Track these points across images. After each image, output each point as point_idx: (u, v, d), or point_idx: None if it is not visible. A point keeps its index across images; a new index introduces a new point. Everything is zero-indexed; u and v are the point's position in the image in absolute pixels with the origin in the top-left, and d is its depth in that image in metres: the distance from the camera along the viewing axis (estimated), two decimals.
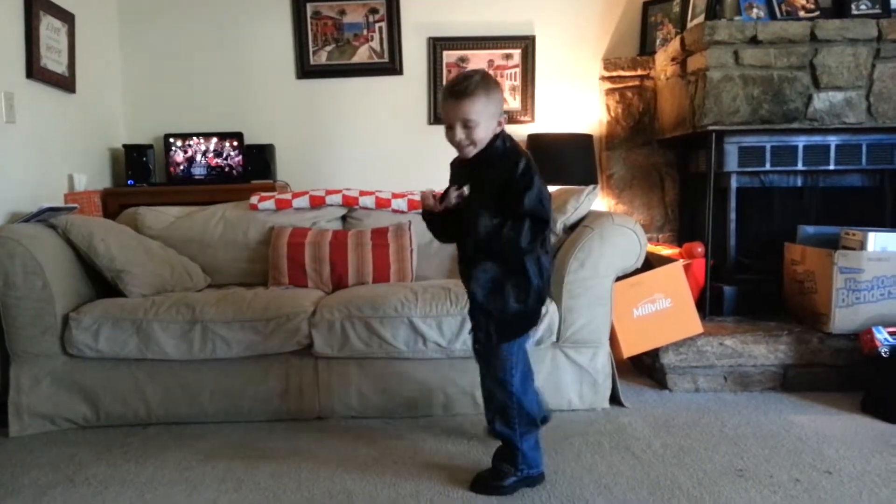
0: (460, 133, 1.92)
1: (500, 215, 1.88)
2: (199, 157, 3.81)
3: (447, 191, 2.00)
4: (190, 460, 2.30)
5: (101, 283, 2.77)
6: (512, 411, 2.02)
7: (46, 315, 2.53)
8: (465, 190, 1.93)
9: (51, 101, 3.32)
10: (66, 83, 3.40)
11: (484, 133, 1.92)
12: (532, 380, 2.11)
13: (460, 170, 2.06)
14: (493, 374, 2.03)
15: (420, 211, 2.13)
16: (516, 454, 2.02)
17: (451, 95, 1.90)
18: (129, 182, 3.75)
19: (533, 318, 2.04)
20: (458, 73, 1.92)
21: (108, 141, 3.88)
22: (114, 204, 3.60)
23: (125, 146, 3.80)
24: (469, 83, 1.88)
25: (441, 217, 2.01)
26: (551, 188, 2.88)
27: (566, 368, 2.65)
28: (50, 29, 3.25)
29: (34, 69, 3.12)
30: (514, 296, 1.95)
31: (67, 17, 3.41)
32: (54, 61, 3.29)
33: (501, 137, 1.96)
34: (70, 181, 3.45)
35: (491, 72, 3.98)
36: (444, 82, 3.98)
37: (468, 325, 2.51)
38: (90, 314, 2.55)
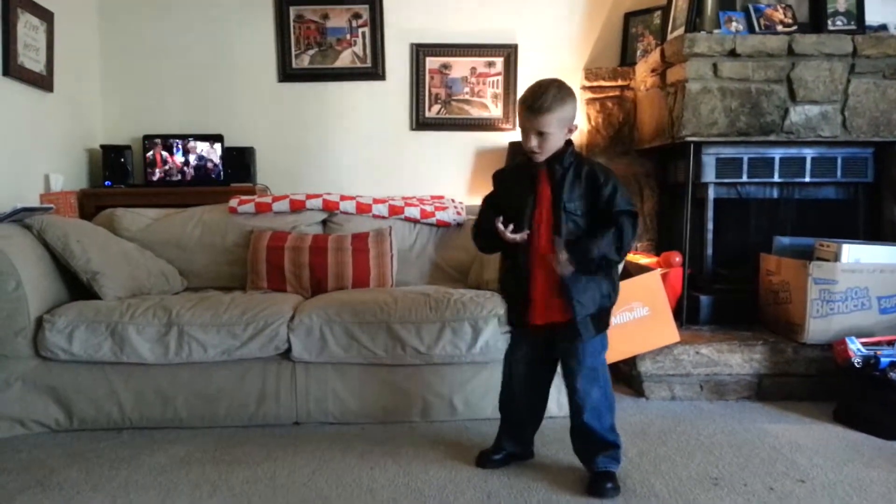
0: (534, 141, 2.01)
1: (593, 221, 2.02)
2: (178, 159, 3.78)
3: (501, 220, 2.04)
4: (164, 465, 2.27)
5: (75, 284, 2.73)
6: (607, 404, 2.10)
7: (19, 316, 2.49)
8: (557, 247, 1.98)
9: (28, 99, 3.28)
10: (43, 82, 3.36)
11: (556, 142, 2.02)
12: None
13: (519, 177, 2.12)
14: (587, 370, 2.07)
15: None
16: (618, 451, 2.12)
17: (528, 110, 2.00)
18: (106, 183, 3.71)
19: (609, 313, 2.12)
20: (534, 84, 2.05)
21: (85, 141, 3.83)
22: (90, 205, 3.57)
23: (103, 147, 3.75)
24: (545, 98, 1.97)
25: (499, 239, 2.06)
26: None
27: None
28: (28, 27, 3.21)
29: (11, 67, 3.08)
30: (606, 289, 2.06)
31: (46, 16, 3.37)
32: (32, 60, 3.25)
33: (572, 146, 2.08)
34: (46, 181, 3.40)
35: (473, 79, 4.01)
36: (427, 88, 4.01)
37: (447, 331, 2.54)
38: (64, 316, 2.52)
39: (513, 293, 2.17)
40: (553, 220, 2.02)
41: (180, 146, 3.78)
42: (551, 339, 2.13)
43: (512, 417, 2.25)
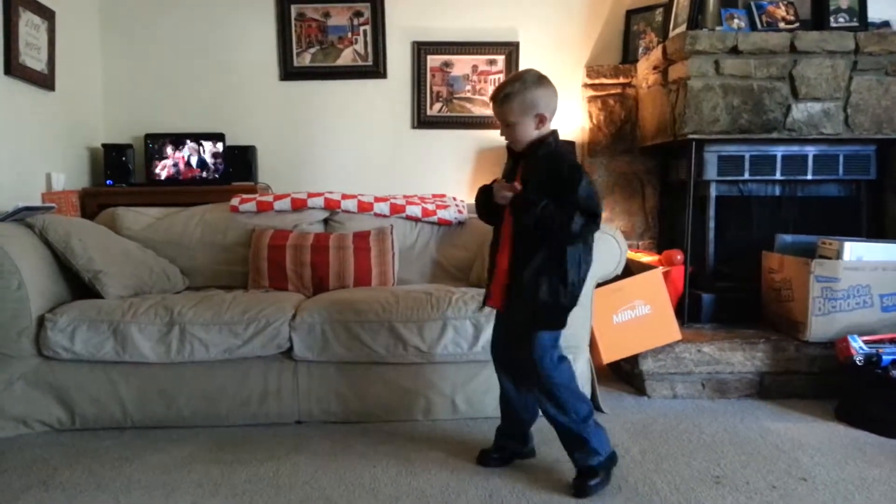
0: (504, 131, 2.08)
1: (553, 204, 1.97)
2: (179, 158, 3.78)
3: (498, 182, 2.10)
4: (166, 464, 2.27)
5: (77, 284, 2.73)
6: (557, 391, 2.05)
7: (21, 316, 2.49)
8: (515, 185, 2.02)
9: (29, 98, 3.28)
10: (45, 81, 3.36)
11: (525, 132, 2.04)
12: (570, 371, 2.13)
13: (513, 164, 2.15)
14: (528, 359, 2.04)
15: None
16: (585, 444, 2.05)
17: (492, 100, 2.08)
18: (107, 182, 3.71)
19: (562, 317, 2.04)
20: (510, 75, 2.08)
21: (87, 140, 3.83)
22: (92, 204, 3.56)
23: (104, 146, 3.75)
24: (506, 89, 2.03)
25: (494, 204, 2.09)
26: None
27: None
28: (30, 25, 3.21)
29: (12, 66, 3.08)
30: (548, 289, 1.99)
31: (48, 14, 3.37)
32: (33, 58, 3.25)
33: (554, 137, 2.06)
34: (48, 180, 3.40)
35: (474, 77, 4.00)
36: (428, 87, 4.00)
37: (449, 330, 2.54)
38: (66, 315, 2.52)
39: (487, 273, 2.21)
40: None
41: (182, 145, 3.77)
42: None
43: (504, 411, 2.25)
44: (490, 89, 3.99)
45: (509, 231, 2.08)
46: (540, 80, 2.04)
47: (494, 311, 2.26)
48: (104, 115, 4.00)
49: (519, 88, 2.00)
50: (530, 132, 2.04)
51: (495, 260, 2.13)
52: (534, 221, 1.95)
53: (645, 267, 3.13)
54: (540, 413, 2.19)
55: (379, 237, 3.15)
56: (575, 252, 1.99)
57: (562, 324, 2.05)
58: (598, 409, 2.73)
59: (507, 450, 2.25)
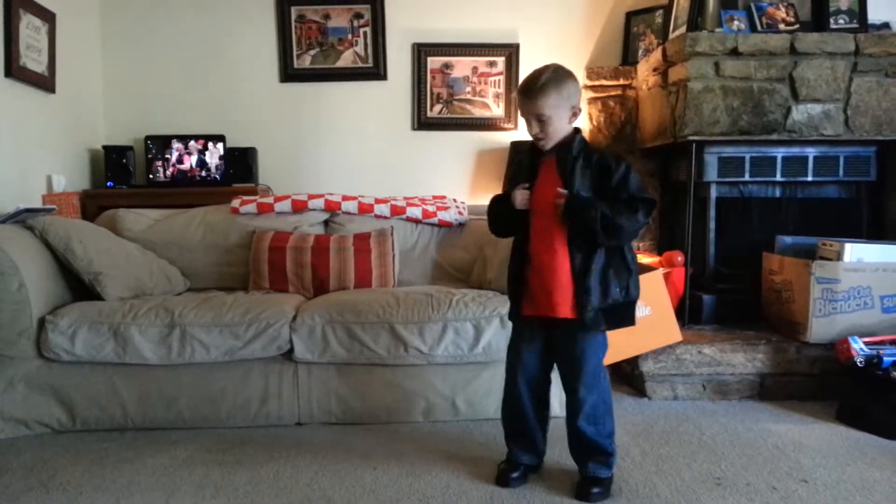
0: (535, 127, 1.97)
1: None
2: (180, 160, 3.78)
3: (515, 188, 2.02)
4: (167, 466, 2.27)
5: (78, 285, 2.73)
6: (604, 408, 2.03)
7: (22, 317, 2.49)
8: (561, 191, 1.94)
9: (30, 100, 3.28)
10: (45, 83, 3.36)
11: (560, 127, 1.97)
12: None
13: (531, 163, 2.06)
14: (586, 372, 2.00)
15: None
16: (611, 458, 2.05)
17: (524, 94, 1.97)
18: (108, 184, 3.71)
19: (634, 311, 2.01)
20: (532, 71, 2.02)
21: (87, 142, 3.83)
22: (92, 206, 3.57)
23: (105, 147, 3.75)
24: (539, 80, 1.94)
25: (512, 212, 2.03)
26: None
27: None
28: (30, 28, 3.22)
29: (13, 68, 3.08)
30: (618, 285, 1.97)
31: (48, 16, 3.37)
32: (34, 60, 3.25)
33: (580, 133, 2.02)
34: (48, 182, 3.41)
35: (474, 79, 4.01)
36: (428, 88, 4.00)
37: (449, 331, 2.54)
38: (67, 317, 2.52)
39: (512, 282, 2.09)
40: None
41: (182, 147, 3.78)
42: (549, 338, 2.06)
43: (520, 427, 2.14)
44: (490, 91, 4.00)
45: (559, 235, 1.97)
46: (570, 72, 2.00)
47: (510, 319, 2.17)
48: (105, 116, 4.00)
49: (554, 78, 1.93)
50: (566, 126, 1.98)
51: (527, 269, 2.02)
52: (599, 222, 1.88)
53: (645, 268, 3.13)
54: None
55: (379, 239, 3.15)
56: (628, 244, 1.99)
57: (633, 319, 2.02)
58: None
59: (523, 465, 2.14)
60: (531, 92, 1.94)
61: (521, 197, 2.00)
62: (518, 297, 2.07)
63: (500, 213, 2.08)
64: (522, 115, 2.02)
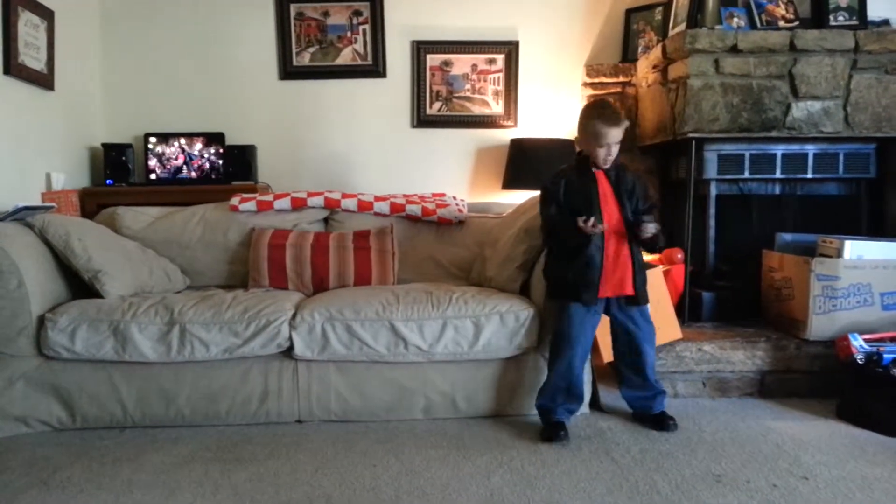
0: (613, 150, 2.45)
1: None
2: (179, 157, 3.77)
3: (584, 219, 2.37)
4: (167, 464, 2.27)
5: (77, 283, 2.73)
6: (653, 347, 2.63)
7: (21, 315, 2.49)
8: (651, 227, 2.45)
9: (28, 98, 3.28)
10: (44, 80, 3.36)
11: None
12: None
13: (582, 180, 2.50)
14: (649, 335, 2.57)
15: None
16: (665, 394, 2.64)
17: (610, 122, 2.41)
18: (107, 181, 3.71)
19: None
20: (598, 100, 2.74)
21: (86, 139, 3.83)
22: (92, 203, 3.56)
23: (104, 145, 3.75)
24: (618, 112, 2.49)
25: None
26: (532, 193, 2.91)
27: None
28: (29, 25, 3.21)
29: (12, 66, 3.08)
30: (643, 270, 2.57)
31: (47, 14, 3.36)
32: (33, 58, 3.25)
33: None
34: (47, 180, 3.40)
35: (474, 76, 4.01)
36: (428, 86, 4.00)
37: (449, 329, 2.54)
38: (66, 315, 2.52)
39: (580, 276, 2.45)
40: (620, 213, 2.47)
41: (181, 144, 3.77)
42: (607, 311, 2.56)
43: (573, 389, 2.53)
44: (490, 88, 4.00)
45: (626, 237, 2.48)
46: None
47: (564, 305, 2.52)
48: (104, 114, 3.99)
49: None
50: None
51: (602, 258, 2.45)
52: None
53: (645, 266, 3.12)
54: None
55: (379, 236, 3.15)
56: None
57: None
58: (599, 408, 2.73)
59: (564, 422, 2.50)
60: (618, 122, 2.41)
61: (599, 229, 2.37)
62: (594, 283, 2.45)
63: (571, 238, 2.44)
64: (601, 142, 2.41)
